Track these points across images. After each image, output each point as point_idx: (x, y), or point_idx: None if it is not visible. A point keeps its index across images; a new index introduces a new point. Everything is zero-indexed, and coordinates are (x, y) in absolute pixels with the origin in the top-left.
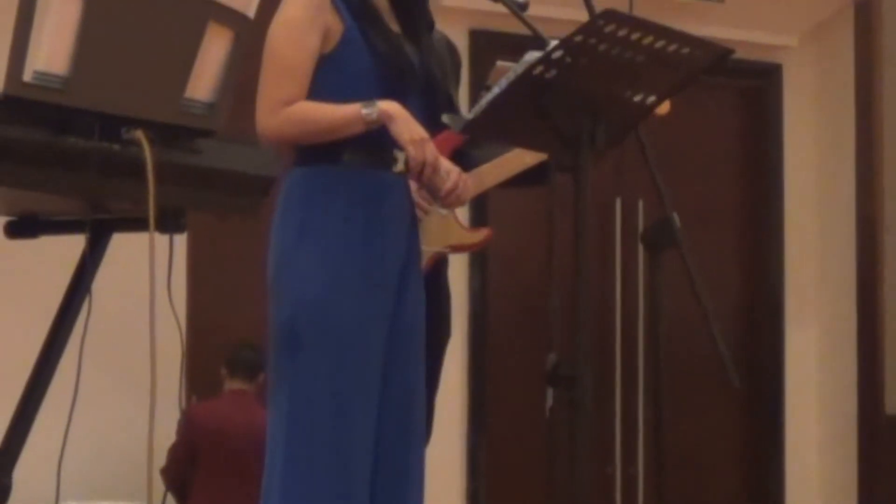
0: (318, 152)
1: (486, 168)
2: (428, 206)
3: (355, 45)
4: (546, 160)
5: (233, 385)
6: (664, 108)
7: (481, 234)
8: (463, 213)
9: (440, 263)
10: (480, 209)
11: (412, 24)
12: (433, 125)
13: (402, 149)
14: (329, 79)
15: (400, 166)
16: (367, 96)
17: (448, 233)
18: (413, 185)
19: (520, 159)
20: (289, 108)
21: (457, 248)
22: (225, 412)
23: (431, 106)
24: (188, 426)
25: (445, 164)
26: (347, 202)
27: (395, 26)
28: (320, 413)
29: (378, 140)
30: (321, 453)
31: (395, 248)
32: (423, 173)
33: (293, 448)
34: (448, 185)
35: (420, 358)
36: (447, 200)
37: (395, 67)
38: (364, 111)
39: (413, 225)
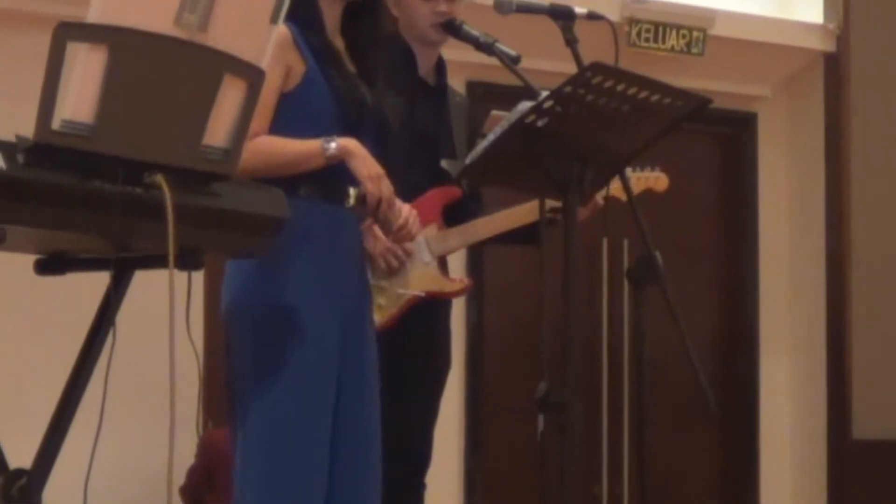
0: (275, 184)
1: (480, 221)
2: (401, 261)
3: (316, 84)
4: (537, 221)
5: None
6: (663, 184)
7: (459, 285)
8: (461, 254)
9: (440, 303)
10: (477, 249)
11: (366, 65)
12: (384, 161)
13: (356, 185)
14: (290, 115)
15: (352, 202)
16: (326, 133)
17: (427, 279)
18: (379, 235)
19: (514, 217)
20: (252, 141)
21: (434, 295)
22: None
23: (383, 143)
24: (205, 451)
25: (397, 202)
26: (303, 234)
27: (351, 67)
28: (280, 436)
29: (332, 176)
30: (279, 480)
31: (345, 280)
32: (380, 208)
33: (251, 471)
34: (400, 220)
35: (374, 384)
36: (399, 235)
37: (352, 106)
38: (324, 146)
39: (362, 260)
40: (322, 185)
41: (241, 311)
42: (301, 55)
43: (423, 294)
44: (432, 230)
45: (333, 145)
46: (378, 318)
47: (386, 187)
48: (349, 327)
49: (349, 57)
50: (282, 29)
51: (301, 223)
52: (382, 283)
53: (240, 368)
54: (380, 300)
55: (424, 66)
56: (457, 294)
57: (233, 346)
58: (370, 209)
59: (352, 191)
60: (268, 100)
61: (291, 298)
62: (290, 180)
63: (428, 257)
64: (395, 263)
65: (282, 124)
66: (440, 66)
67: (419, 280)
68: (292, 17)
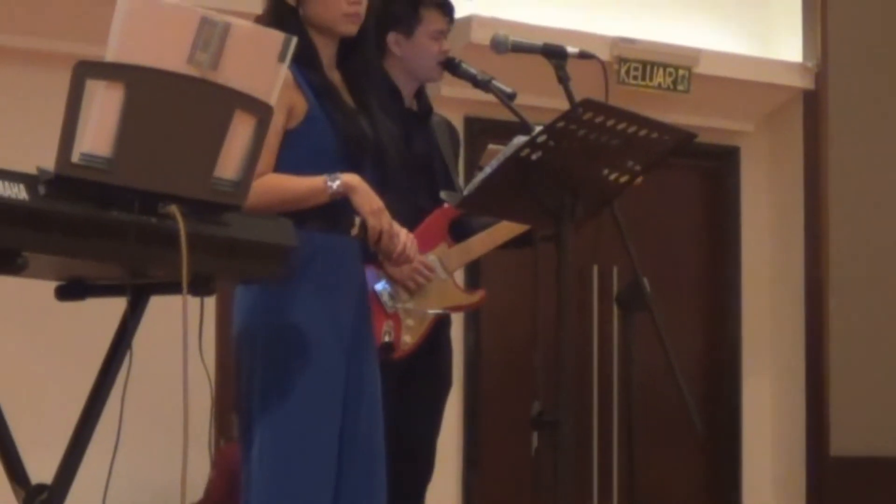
0: (284, 216)
1: (474, 239)
2: (428, 277)
3: (318, 121)
4: (528, 229)
5: None
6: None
7: (477, 296)
8: (459, 278)
9: (443, 324)
10: (474, 275)
11: (364, 99)
12: (385, 190)
13: (360, 216)
14: (295, 152)
15: (356, 230)
16: (329, 168)
17: (447, 295)
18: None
19: (505, 231)
20: (259, 179)
21: (455, 309)
22: None
23: (382, 173)
24: (224, 465)
25: (397, 229)
26: (310, 262)
27: (349, 100)
28: (288, 453)
29: (337, 208)
30: (290, 487)
31: (349, 303)
32: (381, 240)
33: (258, 490)
34: (399, 247)
35: (378, 402)
36: (399, 260)
37: (353, 141)
38: (329, 183)
39: (363, 283)
40: (327, 216)
41: (250, 333)
42: (302, 94)
43: (447, 311)
44: (443, 248)
45: (337, 183)
46: (409, 339)
47: (386, 220)
48: (353, 348)
49: (346, 90)
50: None
51: (307, 251)
52: (408, 305)
53: (248, 389)
54: (408, 322)
55: (408, 97)
56: (476, 305)
57: (242, 368)
58: (372, 241)
59: (357, 220)
60: (272, 140)
61: (298, 321)
62: (298, 212)
63: (444, 274)
64: (423, 280)
65: (287, 161)
66: (420, 93)
67: (440, 297)
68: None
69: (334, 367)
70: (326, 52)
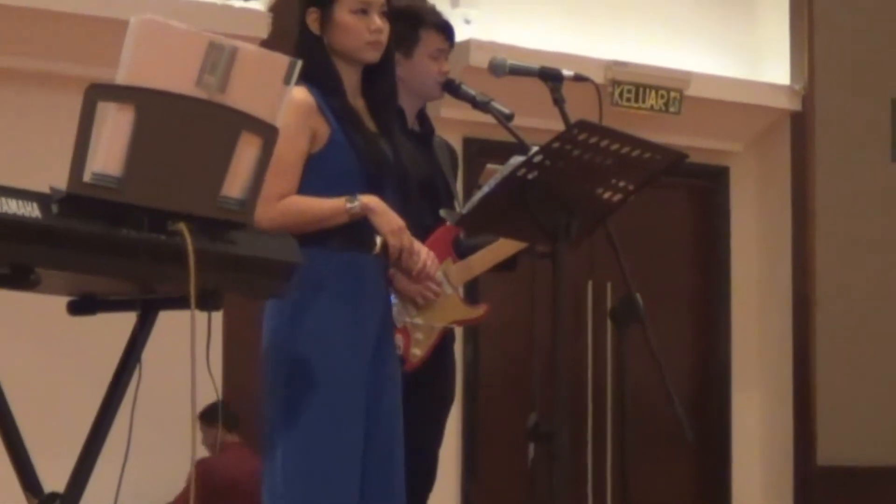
0: (307, 238)
1: (475, 257)
2: (437, 292)
3: (340, 145)
4: (521, 250)
5: (230, 438)
6: None
7: (481, 309)
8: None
9: (448, 339)
10: (473, 292)
11: (386, 124)
12: (406, 211)
13: (380, 235)
14: (317, 174)
15: (378, 249)
16: (351, 190)
17: (452, 310)
18: (417, 286)
19: (504, 248)
20: (282, 201)
21: (460, 322)
22: (233, 463)
23: (405, 194)
24: (206, 477)
25: (417, 247)
26: (334, 280)
27: (371, 126)
28: (312, 462)
29: (358, 228)
30: (315, 498)
31: (373, 317)
32: (401, 258)
33: (289, 496)
34: (419, 265)
35: (398, 410)
36: (419, 277)
37: (374, 164)
38: (348, 205)
39: (387, 298)
40: (349, 236)
41: (274, 347)
42: (325, 119)
43: (454, 325)
44: (448, 264)
45: (356, 204)
46: (418, 352)
47: (406, 238)
48: (377, 361)
49: (369, 116)
50: (306, 96)
51: (331, 268)
52: (416, 319)
53: (272, 401)
54: (417, 335)
55: (410, 117)
56: (480, 319)
57: (266, 380)
58: (392, 259)
59: (378, 239)
60: (296, 163)
61: (321, 335)
62: (321, 232)
63: (450, 289)
64: (432, 296)
65: (311, 183)
66: (421, 114)
67: (447, 311)
68: (315, 83)
69: (356, 379)
70: (350, 79)
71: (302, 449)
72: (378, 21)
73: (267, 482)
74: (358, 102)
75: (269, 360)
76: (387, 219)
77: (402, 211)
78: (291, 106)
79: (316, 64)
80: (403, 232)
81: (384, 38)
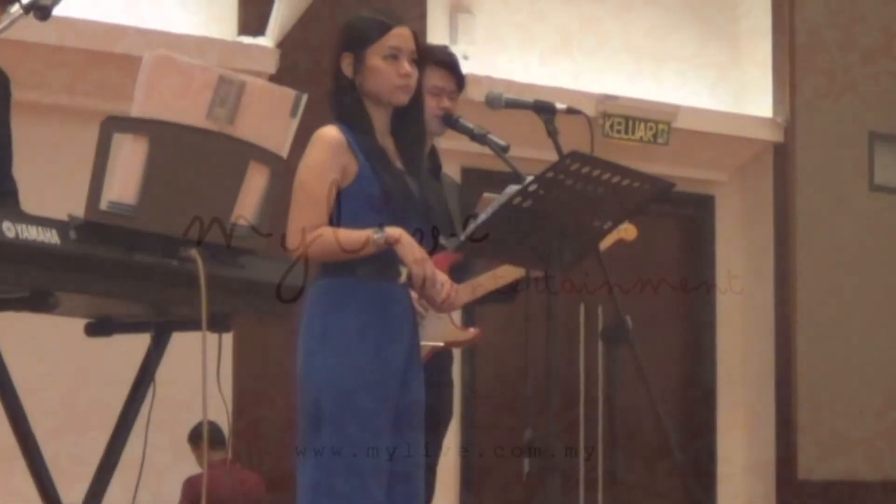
0: (337, 267)
1: (478, 280)
2: (425, 310)
3: (368, 180)
4: (518, 279)
5: (218, 456)
6: (631, 234)
7: (471, 334)
8: (456, 316)
9: (445, 358)
10: (469, 312)
11: (413, 162)
12: (431, 244)
13: (405, 265)
14: (346, 208)
15: (403, 278)
16: (378, 222)
17: (444, 331)
18: (413, 293)
19: (506, 274)
20: (314, 232)
21: (451, 344)
22: (224, 479)
23: (429, 227)
24: (193, 494)
25: (441, 278)
26: (362, 308)
27: (398, 164)
28: (340, 482)
29: (385, 257)
30: None
31: (399, 343)
32: (424, 286)
33: None
34: (442, 295)
35: (421, 432)
36: (442, 308)
37: (399, 198)
38: (375, 236)
39: (414, 324)
40: (377, 266)
41: (306, 372)
42: (354, 156)
43: (442, 344)
44: None
45: (382, 235)
46: None
47: (429, 268)
48: (404, 386)
49: (398, 154)
50: (337, 133)
51: (360, 298)
52: None
53: (304, 419)
54: None
55: None
56: (470, 342)
57: (300, 404)
58: (416, 287)
59: (403, 269)
60: (326, 196)
61: (353, 359)
62: (349, 262)
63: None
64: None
65: (340, 215)
66: (432, 151)
67: (437, 332)
68: (346, 122)
69: (385, 399)
70: (380, 119)
71: (328, 472)
72: (407, 66)
73: (298, 497)
74: (387, 141)
75: (301, 384)
76: (410, 249)
77: (424, 244)
78: (324, 143)
79: (348, 104)
80: (426, 262)
81: (413, 82)
